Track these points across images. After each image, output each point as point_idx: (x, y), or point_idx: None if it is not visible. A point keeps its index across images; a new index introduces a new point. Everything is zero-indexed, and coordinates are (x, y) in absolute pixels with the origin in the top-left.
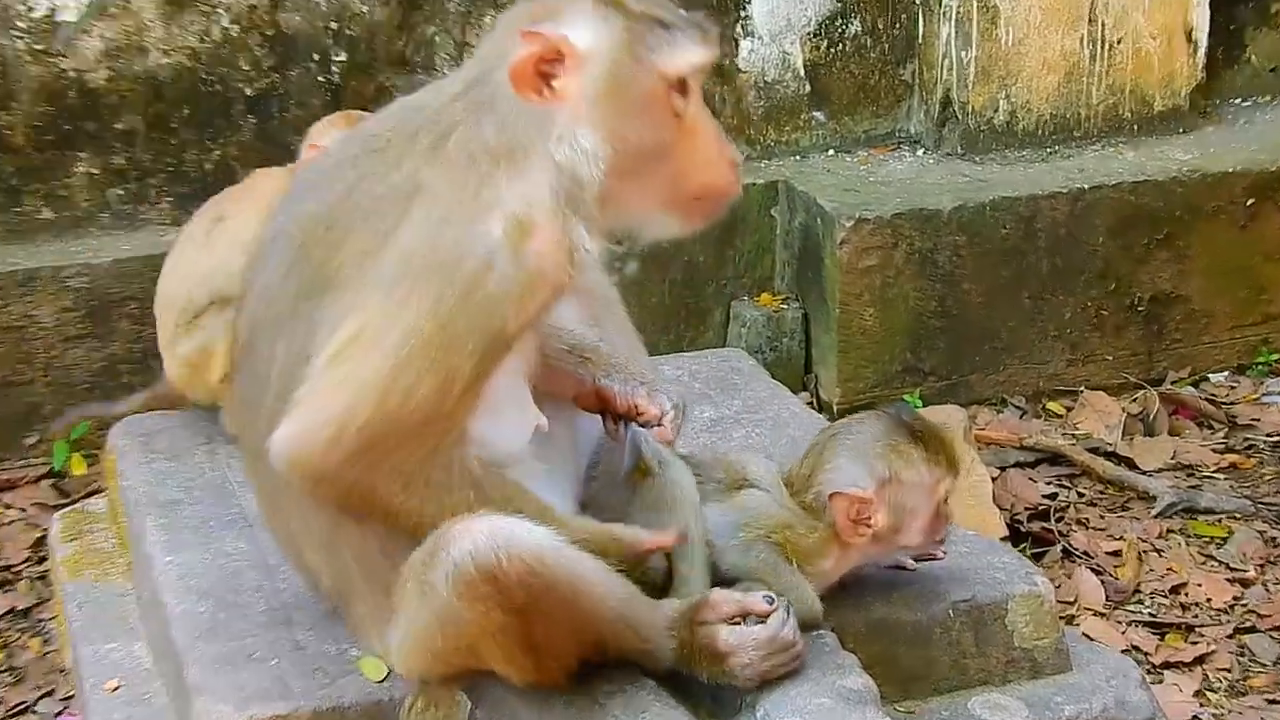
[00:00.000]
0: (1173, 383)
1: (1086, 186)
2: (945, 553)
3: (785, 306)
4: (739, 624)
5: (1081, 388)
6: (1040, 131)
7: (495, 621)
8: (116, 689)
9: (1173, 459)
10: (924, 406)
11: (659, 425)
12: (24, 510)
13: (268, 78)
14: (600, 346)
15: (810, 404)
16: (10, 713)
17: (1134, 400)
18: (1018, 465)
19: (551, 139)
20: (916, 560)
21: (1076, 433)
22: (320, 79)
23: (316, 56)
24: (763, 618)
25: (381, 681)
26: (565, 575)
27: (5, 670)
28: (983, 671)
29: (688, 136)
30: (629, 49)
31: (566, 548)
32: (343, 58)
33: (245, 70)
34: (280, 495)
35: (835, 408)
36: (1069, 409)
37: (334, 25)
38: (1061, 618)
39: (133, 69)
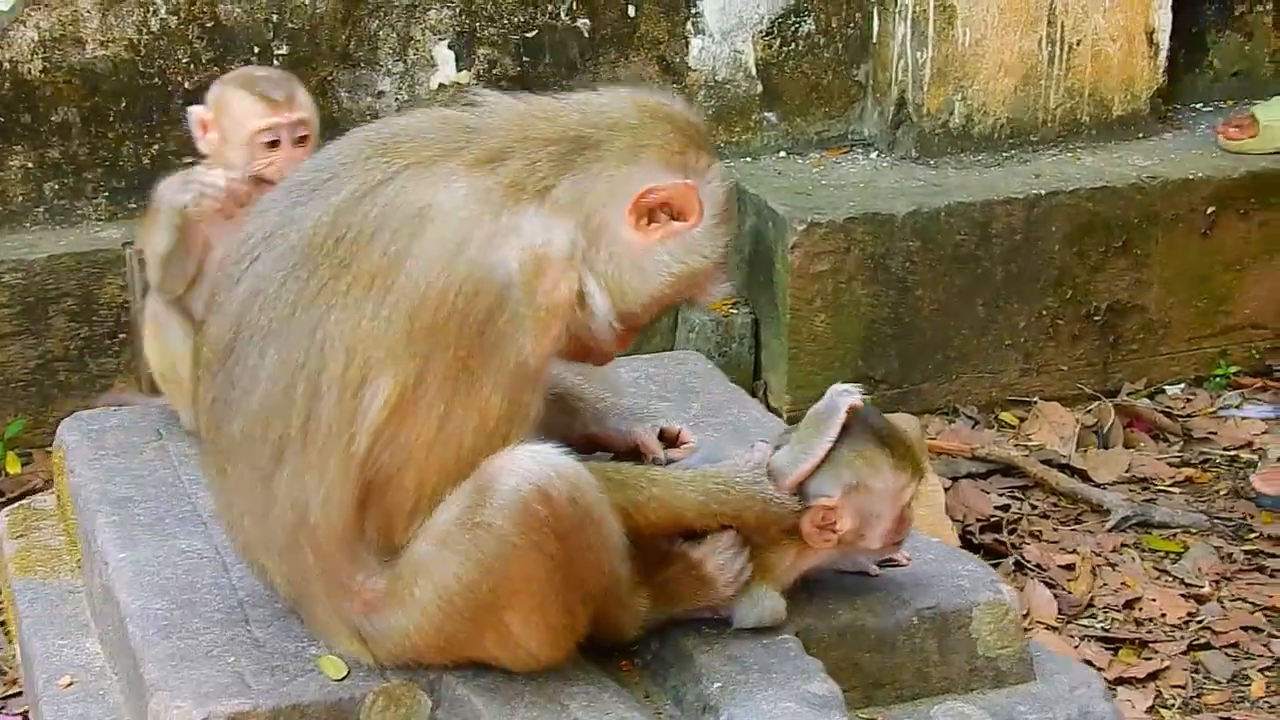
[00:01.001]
0: (1129, 394)
1: (1043, 192)
2: (910, 558)
3: (735, 311)
4: None
5: (1035, 398)
6: (996, 135)
7: (549, 550)
8: (70, 685)
9: (1127, 472)
10: None
11: (682, 443)
12: None
13: (207, 71)
14: (586, 392)
15: None
16: None
17: (1089, 412)
18: (970, 476)
19: (604, 246)
20: (880, 566)
21: (1029, 444)
22: None
23: (257, 50)
24: None
25: (341, 680)
26: (595, 498)
27: None
28: (946, 680)
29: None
30: (712, 268)
31: (589, 473)
32: (284, 51)
33: (184, 63)
34: (237, 496)
35: (785, 414)
36: (1022, 419)
37: (275, 18)
38: None
39: (69, 60)
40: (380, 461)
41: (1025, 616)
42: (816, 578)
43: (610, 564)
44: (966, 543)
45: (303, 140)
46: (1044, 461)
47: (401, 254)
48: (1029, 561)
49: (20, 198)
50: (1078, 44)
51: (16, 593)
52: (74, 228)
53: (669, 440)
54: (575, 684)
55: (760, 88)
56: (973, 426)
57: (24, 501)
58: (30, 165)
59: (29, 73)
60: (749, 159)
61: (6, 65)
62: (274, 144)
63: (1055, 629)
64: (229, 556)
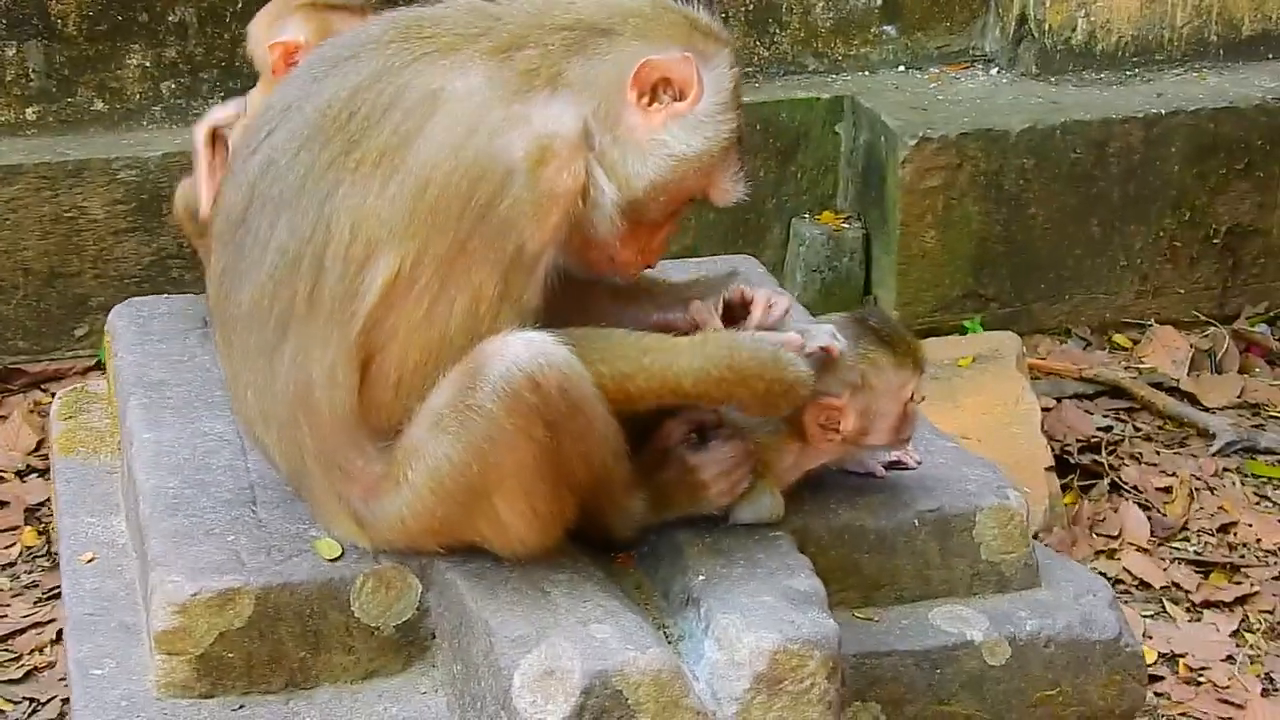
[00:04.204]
0: (1247, 319)
1: (1163, 112)
2: (920, 461)
3: (846, 226)
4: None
5: (1150, 321)
6: (1120, 53)
7: (536, 437)
8: (91, 560)
9: (1239, 397)
10: (983, 332)
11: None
12: None
13: None
14: (647, 281)
15: None
16: (48, 595)
17: (1205, 336)
18: (1076, 397)
19: (609, 131)
20: (888, 468)
21: (1141, 366)
22: None
23: None
24: (715, 426)
25: (334, 560)
26: (588, 392)
27: (43, 555)
28: (946, 583)
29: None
30: (718, 154)
31: (585, 367)
32: None
33: None
34: (242, 368)
35: None
36: (1136, 342)
37: None
38: (1102, 552)
39: None
40: (373, 338)
41: (1116, 537)
42: (820, 477)
43: (601, 458)
44: (1064, 462)
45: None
46: (1153, 384)
47: (412, 134)
48: (1126, 483)
49: (138, 96)
50: None
51: (57, 471)
52: (189, 126)
53: (741, 303)
54: (561, 572)
55: (879, 0)
56: (1084, 348)
57: (79, 384)
58: (148, 64)
59: None
60: (866, 73)
61: None
62: None
63: (1146, 550)
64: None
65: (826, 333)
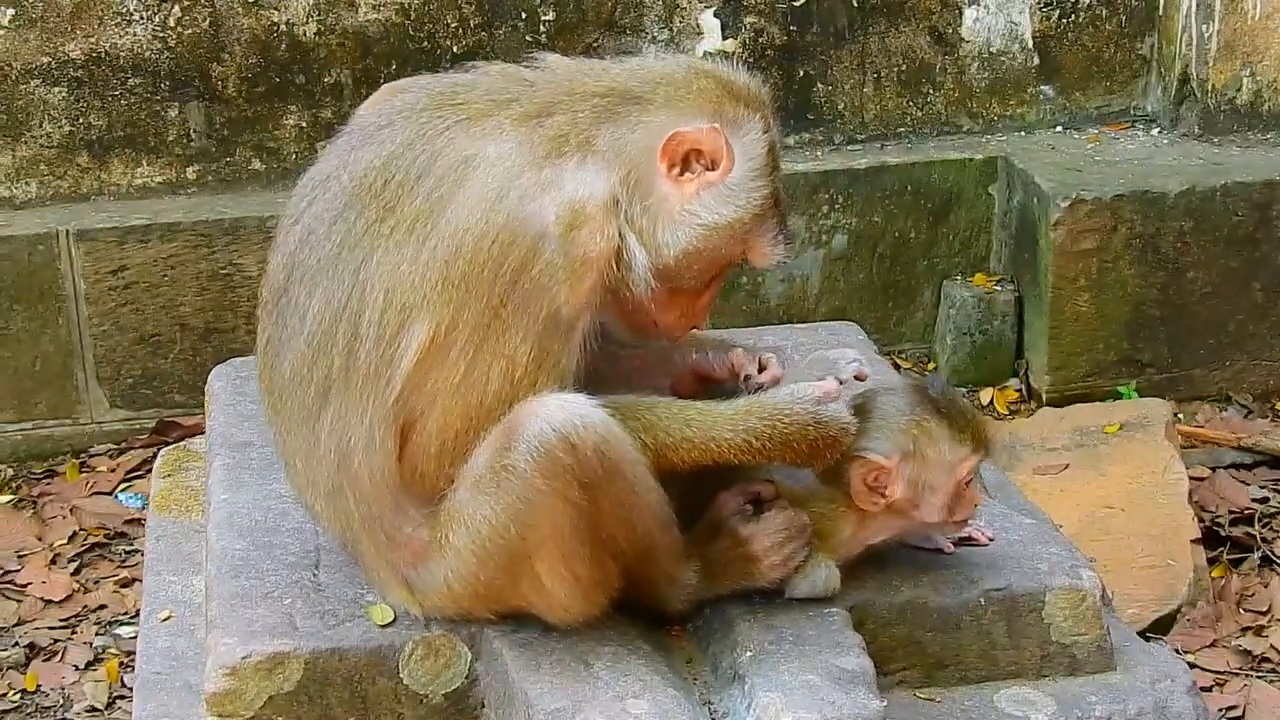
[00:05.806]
0: None
1: None
2: (992, 538)
3: (998, 288)
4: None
5: None
6: None
7: (572, 499)
8: (167, 619)
9: None
10: (1138, 398)
11: (766, 370)
12: None
13: (475, 36)
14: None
15: (1019, 391)
16: None
17: None
18: (1233, 466)
19: (640, 199)
20: (958, 544)
21: None
22: (528, 38)
23: (524, 15)
24: (770, 500)
25: (386, 627)
26: (627, 456)
27: None
28: (1015, 664)
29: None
30: (751, 221)
31: (624, 431)
32: (550, 17)
33: (452, 28)
34: (289, 435)
35: (1045, 396)
36: None
37: None
38: (1249, 628)
39: (342, 23)
40: (411, 405)
41: (1265, 613)
42: (884, 552)
43: (644, 524)
44: (1213, 534)
45: None
46: None
47: (444, 199)
48: (1278, 557)
49: (294, 155)
50: None
51: (149, 529)
52: None
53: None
54: (606, 644)
55: (1037, 60)
56: (1245, 416)
57: (182, 443)
58: (304, 125)
59: (304, 35)
60: (1022, 133)
61: (283, 27)
62: None
63: None
64: None
65: (850, 362)
